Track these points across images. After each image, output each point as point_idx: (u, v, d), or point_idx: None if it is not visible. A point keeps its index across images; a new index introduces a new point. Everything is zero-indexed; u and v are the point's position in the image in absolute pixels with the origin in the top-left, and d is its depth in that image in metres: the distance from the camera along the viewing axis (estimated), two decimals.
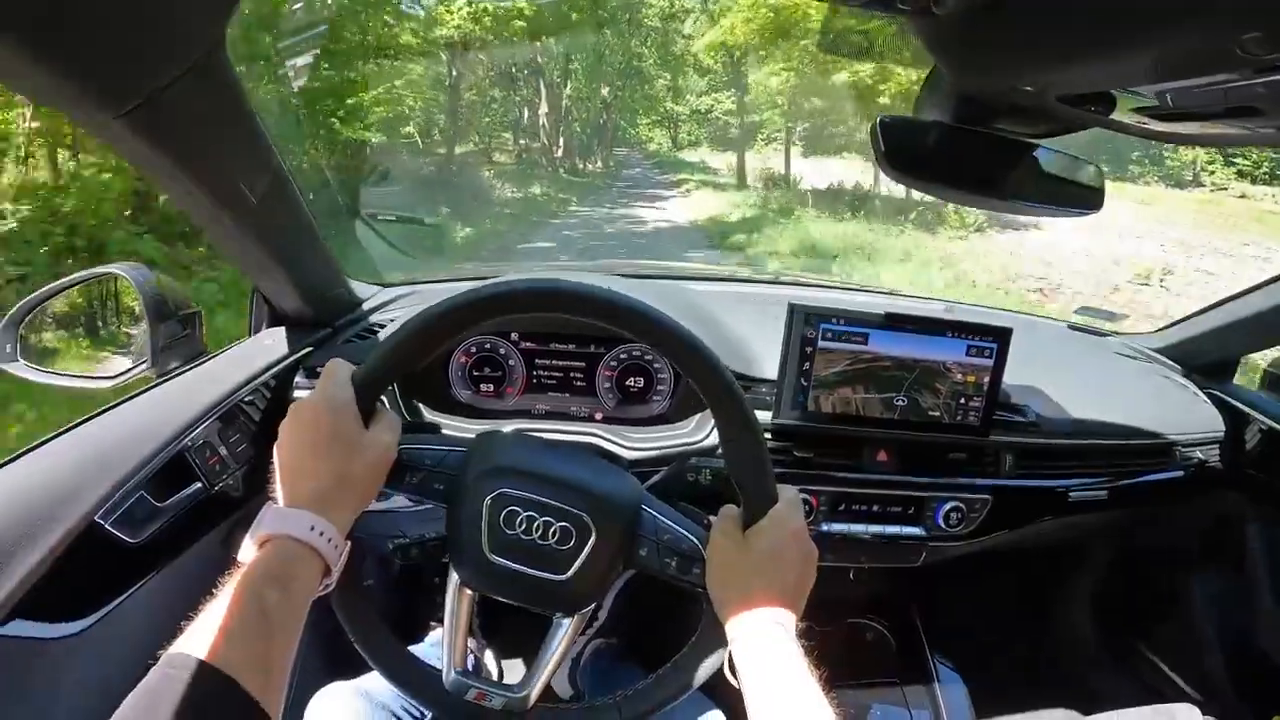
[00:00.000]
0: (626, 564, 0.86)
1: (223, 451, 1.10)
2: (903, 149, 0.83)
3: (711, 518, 0.87)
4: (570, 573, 0.82)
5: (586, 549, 0.83)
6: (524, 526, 0.83)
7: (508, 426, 1.25)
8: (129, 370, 1.19)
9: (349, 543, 0.76)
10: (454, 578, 0.87)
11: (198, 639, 0.60)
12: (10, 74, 0.62)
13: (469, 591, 0.87)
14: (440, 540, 0.89)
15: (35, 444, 0.96)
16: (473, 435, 0.93)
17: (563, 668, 1.05)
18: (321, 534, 0.70)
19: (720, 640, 0.81)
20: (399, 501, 0.93)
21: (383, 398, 0.84)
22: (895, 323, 1.21)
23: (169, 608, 1.07)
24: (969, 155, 0.83)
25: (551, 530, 0.83)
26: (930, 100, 0.83)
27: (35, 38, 0.56)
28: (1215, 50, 0.47)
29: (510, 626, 1.43)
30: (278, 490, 0.76)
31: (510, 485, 0.84)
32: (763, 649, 0.74)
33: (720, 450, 0.90)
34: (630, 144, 53.94)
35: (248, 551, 0.70)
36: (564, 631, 0.86)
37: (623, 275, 1.72)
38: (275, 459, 0.78)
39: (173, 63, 0.68)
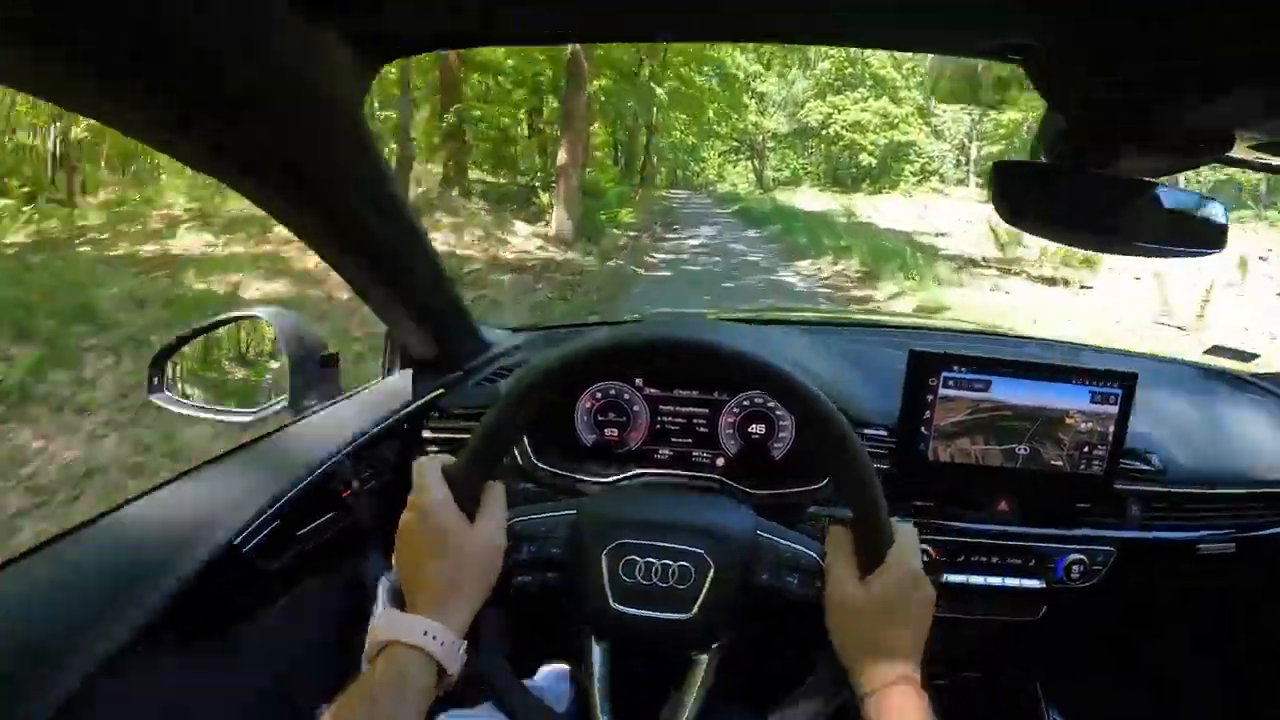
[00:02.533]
0: (750, 591, 0.88)
1: (355, 486, 1.16)
2: (1018, 193, 0.84)
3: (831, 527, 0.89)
4: (695, 609, 0.85)
5: (708, 583, 0.85)
6: (643, 572, 0.86)
7: (628, 474, 1.30)
8: (268, 408, 1.27)
9: (465, 641, 0.78)
10: (590, 639, 0.90)
11: None
12: (159, 140, 0.68)
13: (602, 644, 0.90)
14: (557, 565, 0.91)
15: (183, 471, 1.04)
16: (573, 501, 0.96)
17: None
18: (435, 638, 0.73)
19: (840, 682, 0.82)
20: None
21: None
22: (1018, 370, 1.21)
23: (297, 633, 1.15)
24: (1086, 198, 0.82)
25: (670, 571, 0.86)
26: (1045, 142, 0.84)
27: (181, 110, 0.62)
28: None
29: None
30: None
31: (625, 536, 0.88)
32: (898, 706, 0.75)
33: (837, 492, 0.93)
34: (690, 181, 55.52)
35: (366, 659, 0.75)
36: (701, 669, 0.88)
37: (737, 319, 1.74)
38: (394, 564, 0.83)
39: (316, 125, 0.74)
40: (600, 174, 21.72)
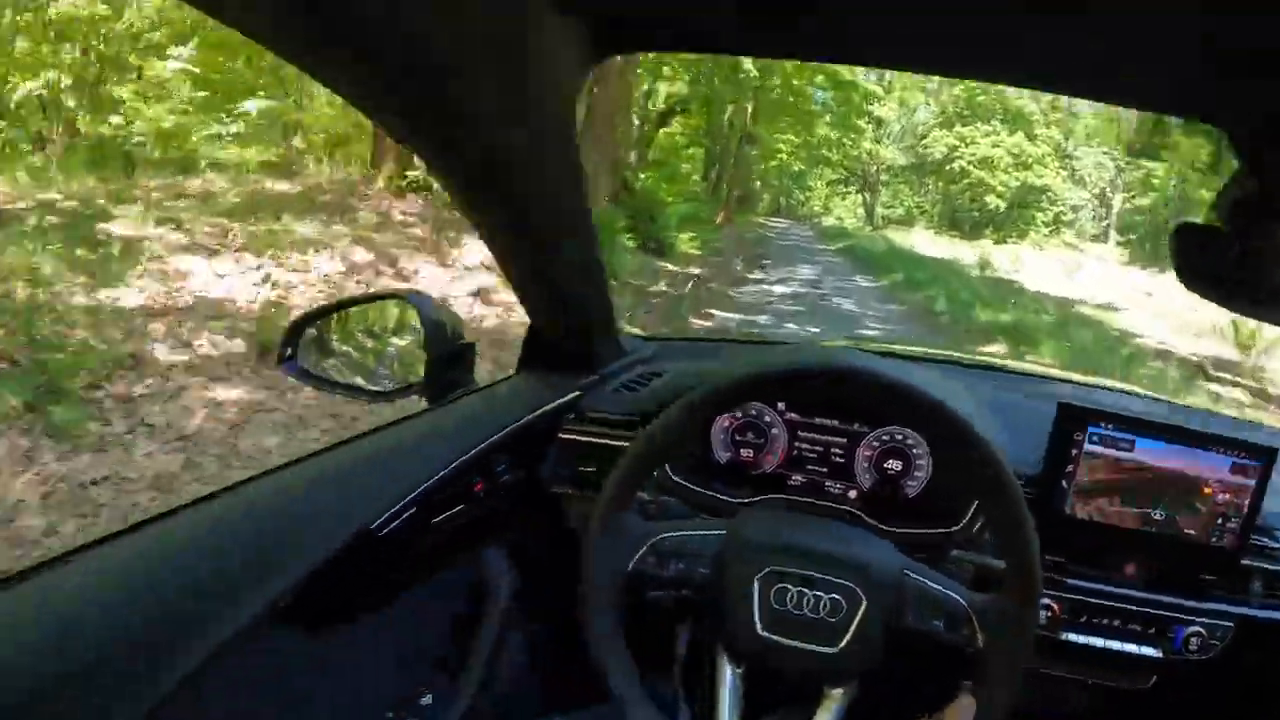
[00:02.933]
0: (895, 629, 0.89)
1: (489, 481, 1.20)
2: (1197, 258, 0.85)
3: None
4: (843, 644, 0.87)
5: (857, 618, 0.87)
6: (794, 601, 0.88)
7: (761, 500, 1.31)
8: (401, 390, 1.32)
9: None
10: (724, 663, 0.92)
11: None
12: (362, 100, 0.70)
13: (738, 669, 0.92)
14: (703, 585, 0.93)
15: (320, 450, 1.08)
16: (722, 521, 0.98)
17: None
18: None
19: (998, 706, 0.84)
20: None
21: None
22: (1163, 433, 1.19)
23: (419, 620, 1.18)
24: (1267, 269, 0.83)
25: (822, 603, 0.87)
26: (1230, 207, 0.84)
27: (388, 72, 0.63)
28: None
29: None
30: None
31: (779, 563, 0.89)
32: None
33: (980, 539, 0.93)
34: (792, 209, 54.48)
35: None
36: (834, 704, 0.90)
37: (879, 352, 1.72)
38: None
39: (525, 107, 0.75)
40: (662, 184, 18.27)
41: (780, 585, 0.88)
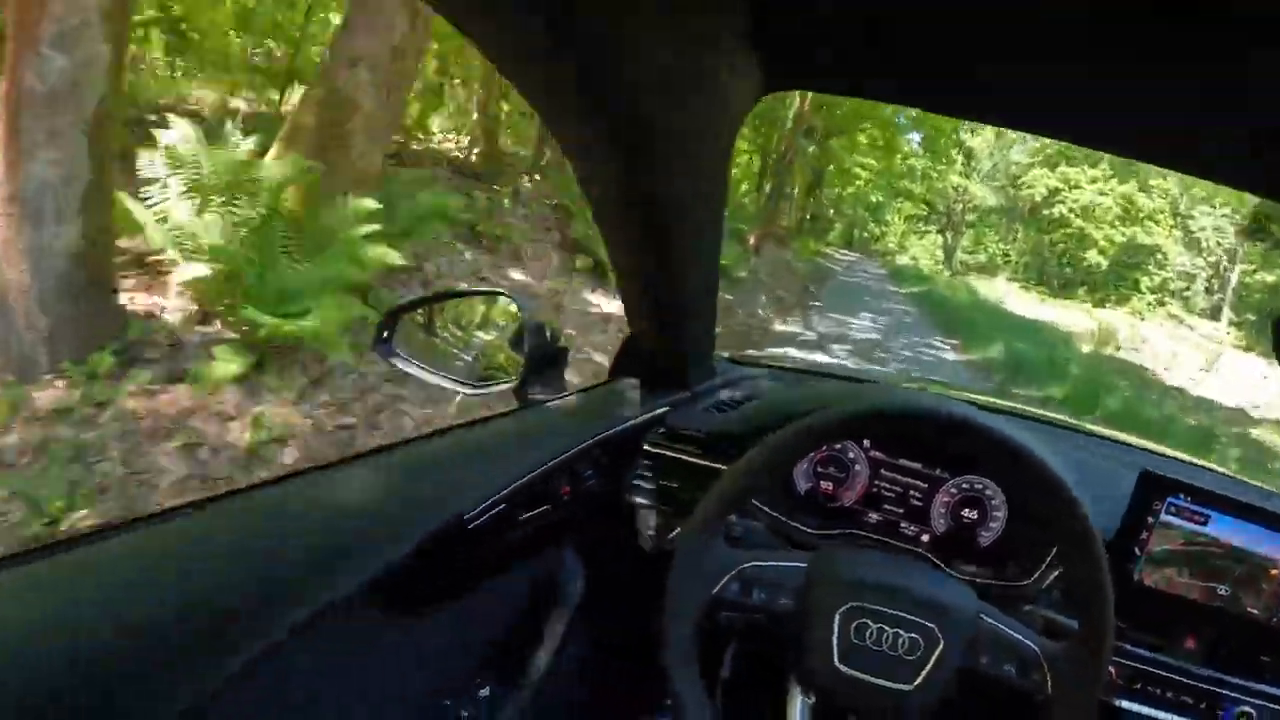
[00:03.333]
0: (967, 671, 0.93)
1: (575, 485, 1.25)
2: None
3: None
4: (918, 681, 0.90)
5: (934, 658, 0.90)
6: (874, 637, 0.91)
7: (839, 534, 1.35)
8: (493, 386, 1.38)
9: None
10: (796, 697, 0.97)
11: None
12: (535, 96, 0.75)
13: (810, 699, 0.97)
14: (786, 616, 0.97)
15: (413, 437, 1.14)
16: (805, 554, 1.02)
17: None
18: None
19: None
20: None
21: None
22: (1239, 511, 1.21)
23: (488, 614, 1.23)
24: None
25: (901, 641, 0.91)
26: None
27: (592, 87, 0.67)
28: None
29: None
30: None
31: (861, 599, 0.92)
32: None
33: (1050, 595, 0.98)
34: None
35: None
36: None
37: (968, 401, 1.76)
38: None
39: (690, 130, 0.80)
40: None
41: (861, 621, 0.91)
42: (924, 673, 0.90)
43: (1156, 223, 37.65)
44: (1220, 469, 1.91)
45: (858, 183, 36.24)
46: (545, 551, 1.32)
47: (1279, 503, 1.56)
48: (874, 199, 44.95)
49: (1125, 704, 1.27)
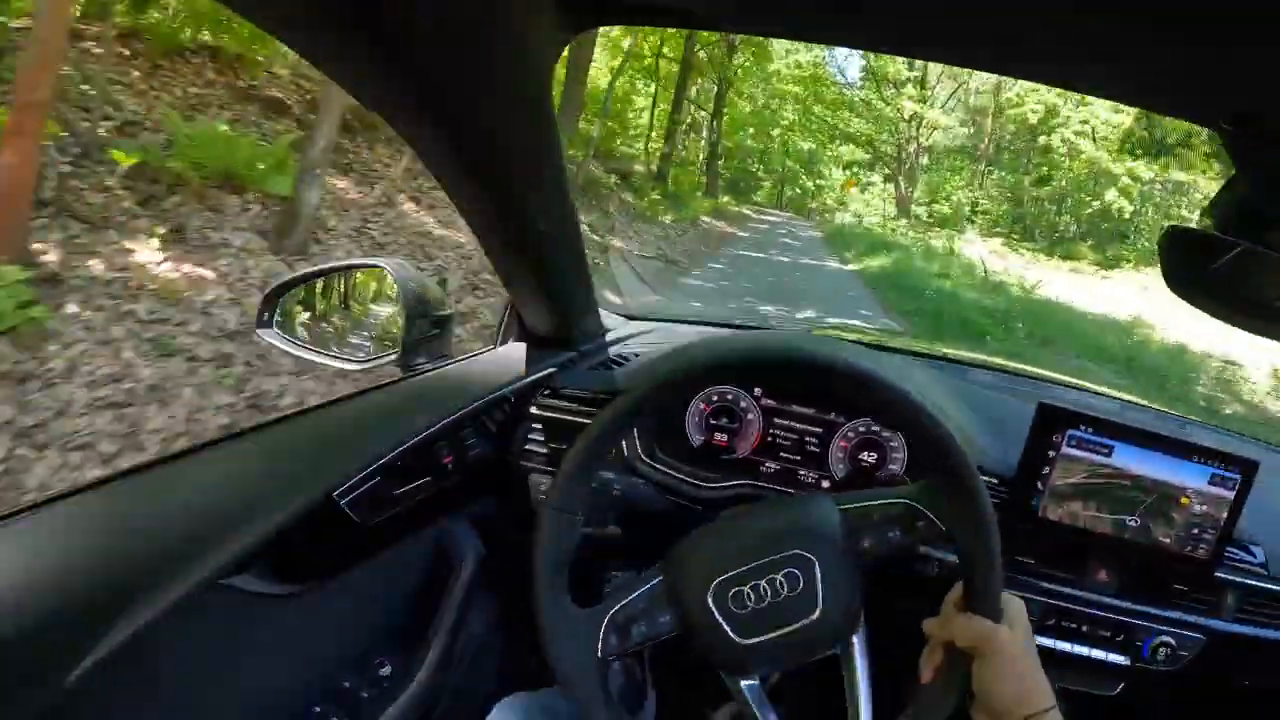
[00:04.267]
0: (861, 565, 0.94)
1: (456, 453, 1.24)
2: (1185, 262, 0.84)
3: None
4: (821, 607, 0.91)
5: (818, 576, 0.91)
6: (753, 598, 0.91)
7: (732, 483, 1.36)
8: (376, 360, 1.35)
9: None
10: (735, 682, 0.95)
11: None
12: (327, 65, 0.73)
13: (748, 681, 0.95)
14: (673, 636, 0.96)
15: (289, 414, 1.12)
16: (655, 567, 1.01)
17: None
18: None
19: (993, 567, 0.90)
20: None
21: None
22: (1143, 440, 1.23)
23: (379, 590, 1.22)
24: (1248, 277, 0.80)
25: (778, 584, 0.91)
26: (1220, 212, 0.82)
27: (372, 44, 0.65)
28: None
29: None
30: None
31: (716, 574, 0.93)
32: None
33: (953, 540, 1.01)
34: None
35: None
36: (855, 662, 0.94)
37: (864, 345, 1.76)
38: None
39: (497, 79, 0.77)
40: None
41: (733, 591, 0.91)
42: (819, 597, 0.91)
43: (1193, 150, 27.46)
44: (1130, 398, 1.98)
45: (781, 126, 35.02)
46: (435, 523, 1.31)
47: (1189, 429, 1.63)
48: (803, 146, 41.77)
49: (1043, 640, 1.29)
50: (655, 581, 0.97)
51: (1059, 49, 0.68)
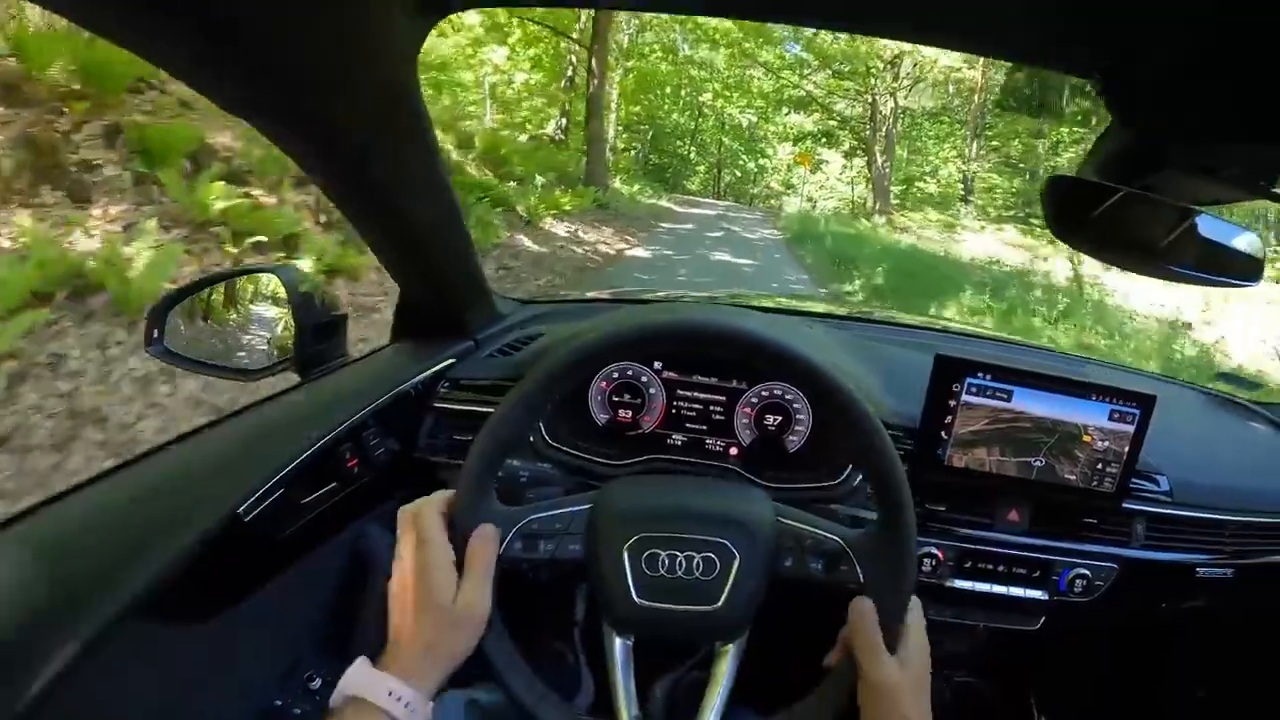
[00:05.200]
0: (773, 579, 0.94)
1: (362, 455, 1.22)
2: (1068, 209, 0.89)
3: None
4: (722, 600, 0.90)
5: (733, 573, 0.91)
6: (667, 565, 0.91)
7: (640, 459, 1.36)
8: (272, 367, 1.33)
9: (431, 703, 0.84)
10: (611, 635, 0.95)
11: None
12: (183, 71, 0.70)
13: (626, 639, 0.95)
14: (575, 562, 0.96)
15: (185, 433, 1.09)
16: (589, 494, 1.00)
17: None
18: (401, 700, 0.79)
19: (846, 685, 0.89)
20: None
21: None
22: (1040, 382, 1.27)
23: (299, 602, 1.20)
24: (1131, 220, 0.86)
25: (695, 563, 0.91)
26: (1101, 161, 0.88)
27: (226, 42, 0.64)
28: None
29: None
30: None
31: (646, 529, 0.92)
32: None
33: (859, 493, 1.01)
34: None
35: (335, 702, 0.81)
36: (728, 660, 0.94)
37: (762, 309, 1.81)
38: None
39: (358, 73, 0.77)
40: None
41: (650, 551, 0.91)
42: (725, 591, 0.91)
43: None
44: (1027, 342, 2.04)
45: (718, 96, 32.25)
46: (348, 527, 1.30)
47: (1086, 369, 1.69)
48: (741, 120, 37.92)
49: (960, 584, 1.34)
50: (581, 509, 0.97)
51: (951, 13, 0.70)
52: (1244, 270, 0.96)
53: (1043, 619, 1.43)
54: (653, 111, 31.39)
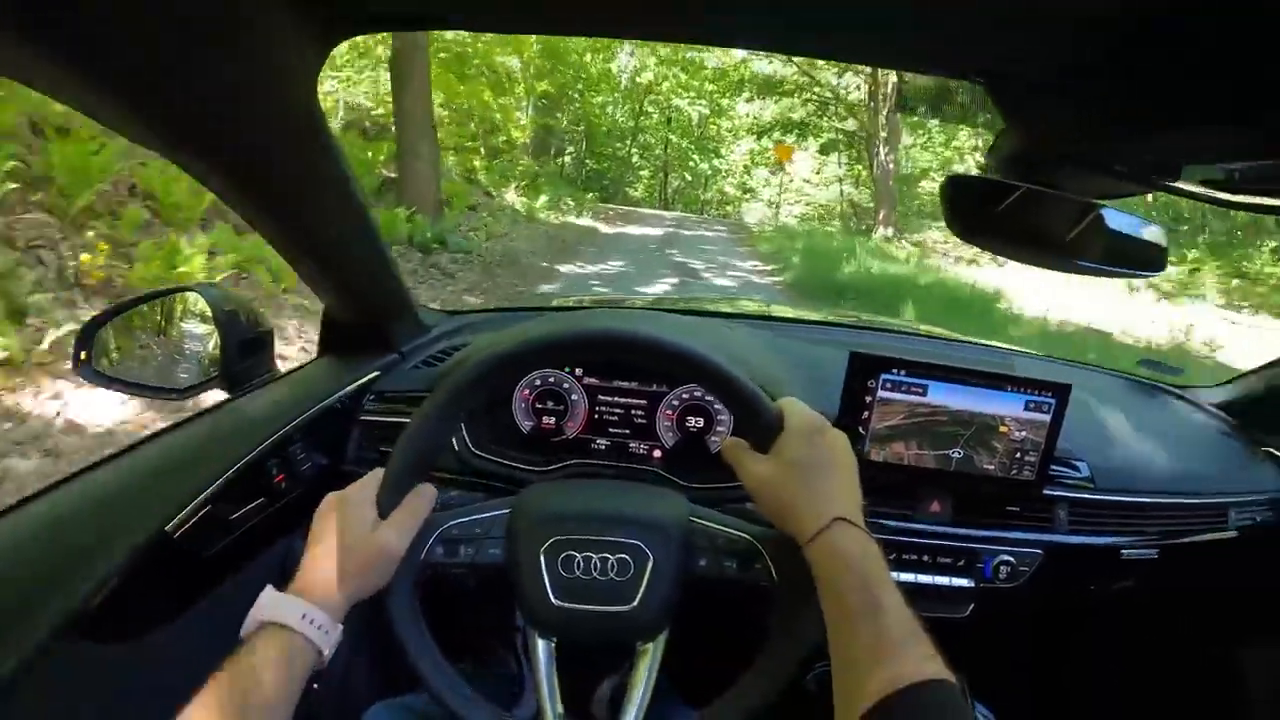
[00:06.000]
0: (688, 578, 0.96)
1: (289, 470, 1.24)
2: (969, 208, 0.92)
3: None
4: (637, 600, 0.93)
5: (647, 573, 0.94)
6: (582, 567, 0.94)
7: (564, 464, 1.38)
8: (200, 386, 1.33)
9: (341, 626, 0.87)
10: (535, 637, 0.97)
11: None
12: (97, 112, 0.71)
13: (545, 641, 0.97)
14: (496, 567, 0.98)
15: (113, 454, 1.10)
16: (508, 499, 1.03)
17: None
18: (313, 622, 0.82)
19: (775, 675, 0.91)
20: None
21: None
22: (955, 376, 1.30)
23: (231, 620, 1.24)
24: (1034, 216, 0.88)
25: (610, 565, 0.94)
26: (999, 159, 0.91)
27: (128, 77, 0.65)
28: None
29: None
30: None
31: (562, 531, 0.95)
32: (839, 546, 0.83)
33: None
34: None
35: (248, 629, 0.83)
36: (648, 659, 0.96)
37: (679, 312, 1.83)
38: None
39: (258, 92, 0.78)
40: None
41: (566, 554, 0.94)
42: (640, 592, 0.94)
43: None
44: (943, 334, 2.09)
45: (655, 79, 29.82)
46: (278, 544, 1.31)
47: (1003, 360, 1.74)
48: (690, 112, 32.99)
49: None
50: (500, 513, 1.00)
51: (826, 23, 0.72)
52: (1150, 261, 0.99)
53: (971, 606, 1.47)
54: (568, 88, 26.78)
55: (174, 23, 0.62)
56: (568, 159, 28.73)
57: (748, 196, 35.98)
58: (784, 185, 31.40)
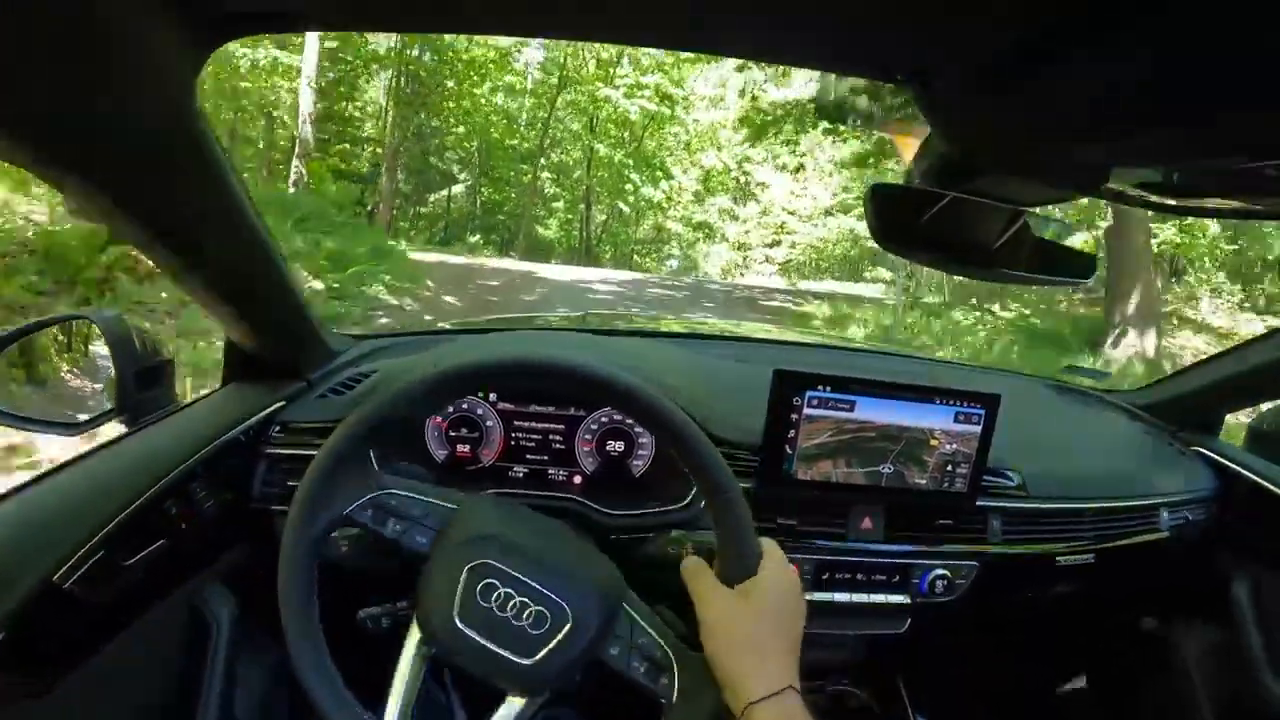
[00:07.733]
0: (594, 658, 0.91)
1: (191, 508, 1.18)
2: (893, 217, 0.92)
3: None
4: (537, 658, 0.88)
5: (559, 637, 0.89)
6: (499, 601, 0.89)
7: (487, 492, 1.30)
8: (96, 419, 1.26)
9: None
10: (414, 637, 0.92)
11: None
12: None
13: (428, 650, 0.92)
14: (415, 554, 0.94)
15: (10, 491, 1.04)
16: (461, 497, 0.99)
17: None
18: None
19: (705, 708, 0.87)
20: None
21: None
22: (882, 390, 1.30)
23: (133, 668, 1.15)
24: (960, 224, 0.90)
25: (527, 612, 0.89)
26: (924, 167, 0.91)
27: None
28: (1225, 139, 0.55)
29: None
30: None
31: (494, 557, 0.91)
32: (786, 715, 0.82)
33: (704, 517, 1.00)
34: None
35: None
36: (517, 710, 0.91)
37: (597, 332, 1.81)
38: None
39: (140, 117, 0.74)
40: None
41: (489, 580, 0.90)
42: (544, 651, 0.89)
43: None
44: (870, 347, 2.11)
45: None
46: (181, 586, 1.25)
47: (931, 371, 1.75)
48: (621, 111, 24.07)
49: (819, 596, 1.36)
50: (447, 506, 0.98)
51: (742, 22, 0.69)
52: (1078, 268, 1.01)
53: (909, 621, 1.47)
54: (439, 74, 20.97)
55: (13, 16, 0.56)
56: (460, 189, 22.97)
57: (702, 238, 27.88)
58: (759, 220, 25.21)
